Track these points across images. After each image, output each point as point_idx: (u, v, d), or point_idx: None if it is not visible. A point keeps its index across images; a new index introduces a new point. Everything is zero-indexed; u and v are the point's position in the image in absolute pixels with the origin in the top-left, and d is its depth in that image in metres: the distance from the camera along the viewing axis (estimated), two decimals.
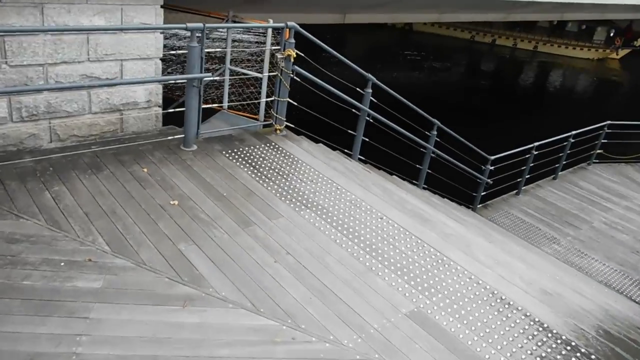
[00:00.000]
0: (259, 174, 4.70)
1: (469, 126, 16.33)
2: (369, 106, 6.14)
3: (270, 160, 4.98)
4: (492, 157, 8.83)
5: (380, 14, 9.77)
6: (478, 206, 9.34)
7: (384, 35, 31.14)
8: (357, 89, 6.10)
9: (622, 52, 30.81)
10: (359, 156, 6.42)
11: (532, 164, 10.02)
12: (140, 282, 3.20)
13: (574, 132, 10.60)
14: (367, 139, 6.39)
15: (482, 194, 9.21)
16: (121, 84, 4.85)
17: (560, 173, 11.23)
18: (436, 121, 7.23)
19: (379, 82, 6.16)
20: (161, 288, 3.18)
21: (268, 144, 5.32)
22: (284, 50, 5.24)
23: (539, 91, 25.81)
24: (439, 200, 7.16)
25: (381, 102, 6.32)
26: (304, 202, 4.37)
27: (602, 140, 11.75)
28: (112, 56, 4.75)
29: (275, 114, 5.56)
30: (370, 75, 6.01)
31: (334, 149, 6.20)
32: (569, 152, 10.90)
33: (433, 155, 7.47)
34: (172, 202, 4.05)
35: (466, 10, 11.10)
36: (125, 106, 5.01)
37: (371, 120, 6.20)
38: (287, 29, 5.19)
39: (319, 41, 5.50)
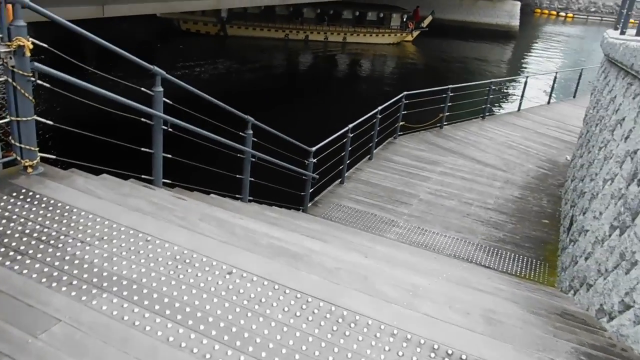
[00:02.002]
0: (3, 250, 2.71)
1: (284, 124, 15.58)
2: (164, 111, 4.43)
3: (22, 221, 3.00)
4: (314, 149, 7.80)
5: (143, 3, 7.97)
6: (308, 205, 8.28)
7: (197, 43, 29.33)
8: (144, 89, 4.33)
9: (415, 34, 34.93)
10: (164, 180, 4.69)
11: (350, 148, 9.34)
12: None
13: (380, 108, 10.25)
14: (168, 155, 4.68)
15: (310, 190, 8.15)
16: None
17: (374, 151, 10.85)
18: (250, 118, 5.82)
19: (170, 77, 4.48)
20: None
21: (14, 194, 3.28)
22: (10, 40, 3.24)
23: (349, 78, 26.89)
24: (275, 213, 5.80)
25: (180, 105, 4.68)
26: (95, 280, 2.56)
27: (403, 112, 11.74)
28: None
29: (17, 144, 3.51)
30: (157, 69, 4.30)
31: (126, 178, 4.36)
32: (378, 128, 10.55)
33: (253, 159, 6.06)
34: None
35: None
36: None
37: (169, 129, 4.50)
38: (9, 5, 3.20)
39: (71, 25, 3.61)
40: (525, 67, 33.53)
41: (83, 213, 3.15)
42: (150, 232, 3.00)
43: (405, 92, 11.57)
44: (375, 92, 22.21)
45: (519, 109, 15.90)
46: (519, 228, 8.61)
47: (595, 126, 7.60)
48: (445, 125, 13.38)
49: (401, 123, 12.00)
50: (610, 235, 4.53)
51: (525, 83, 15.46)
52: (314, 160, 7.87)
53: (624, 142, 4.94)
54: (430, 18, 35.75)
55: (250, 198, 6.39)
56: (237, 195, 6.09)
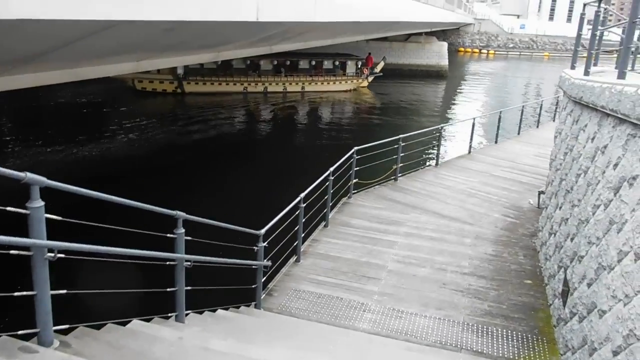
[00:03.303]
0: None
1: (234, 195, 14.26)
2: (47, 232, 3.07)
3: None
4: (263, 231, 6.51)
5: (39, 72, 6.63)
6: (262, 297, 6.93)
7: (152, 102, 28.06)
8: (10, 208, 2.96)
9: (370, 79, 35.77)
10: (55, 327, 3.27)
11: (304, 219, 8.14)
12: None
13: (332, 169, 9.17)
14: (61, 292, 3.29)
15: (263, 280, 6.82)
16: None
17: (329, 217, 9.69)
18: (180, 213, 4.51)
19: (55, 183, 3.15)
20: None
21: None
22: None
23: (307, 129, 26.17)
24: (222, 336, 4.42)
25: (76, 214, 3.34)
26: None
27: (355, 169, 10.74)
28: None
29: None
30: (32, 176, 2.96)
31: None
32: (332, 191, 9.44)
33: (188, 264, 4.71)
34: None
35: (167, 53, 8.70)
36: None
37: (59, 256, 3.14)
38: None
39: None
40: (463, 105, 34.11)
41: None
42: None
43: (355, 147, 10.61)
44: (334, 142, 21.32)
45: (469, 152, 15.35)
46: (503, 294, 7.60)
47: (576, 176, 6.78)
48: (400, 176, 12.49)
49: (354, 180, 10.98)
50: None
51: (473, 125, 14.97)
52: (265, 244, 6.58)
53: None
54: (382, 64, 36.71)
55: (188, 312, 5.01)
56: (169, 315, 4.69)
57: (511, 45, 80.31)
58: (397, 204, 10.96)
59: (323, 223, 9.57)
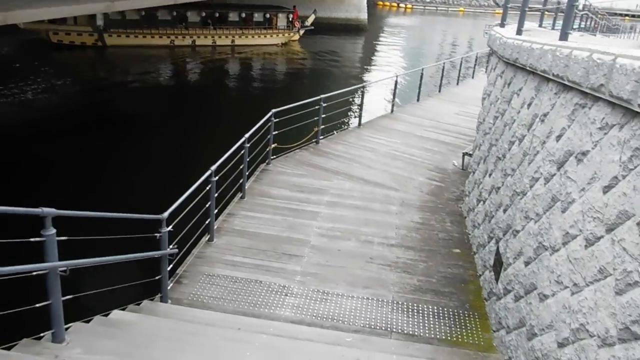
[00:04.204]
0: None
1: (141, 168, 12.81)
2: None
3: None
4: (166, 214, 5.56)
5: None
6: (169, 287, 6.07)
7: (69, 56, 25.24)
8: None
9: (302, 33, 34.52)
10: None
11: (217, 193, 7.25)
12: None
13: (247, 135, 8.27)
14: None
15: (170, 267, 5.94)
16: None
17: (246, 187, 8.85)
18: (49, 210, 3.50)
19: None
20: None
21: None
22: None
23: (235, 87, 24.47)
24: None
25: None
26: None
27: (274, 133, 9.87)
28: None
29: None
30: None
31: None
32: (248, 159, 8.55)
33: (63, 272, 3.74)
34: None
35: (42, 2, 7.22)
36: None
37: None
38: None
39: None
40: (385, 60, 33.87)
41: None
42: None
43: (273, 110, 9.71)
44: (263, 102, 19.98)
45: (392, 111, 14.90)
46: (432, 266, 7.23)
47: (509, 144, 6.38)
48: (321, 139, 11.79)
49: (273, 145, 10.13)
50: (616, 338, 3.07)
51: (396, 83, 14.46)
52: (170, 229, 5.65)
53: (603, 193, 3.53)
54: (313, 17, 35.53)
55: (70, 325, 4.07)
56: (41, 335, 3.75)
57: (428, 0, 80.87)
58: (319, 170, 10.29)
59: (240, 195, 8.72)
